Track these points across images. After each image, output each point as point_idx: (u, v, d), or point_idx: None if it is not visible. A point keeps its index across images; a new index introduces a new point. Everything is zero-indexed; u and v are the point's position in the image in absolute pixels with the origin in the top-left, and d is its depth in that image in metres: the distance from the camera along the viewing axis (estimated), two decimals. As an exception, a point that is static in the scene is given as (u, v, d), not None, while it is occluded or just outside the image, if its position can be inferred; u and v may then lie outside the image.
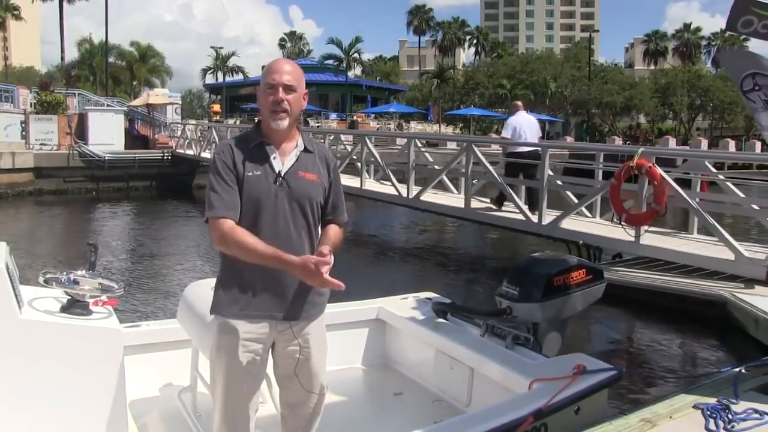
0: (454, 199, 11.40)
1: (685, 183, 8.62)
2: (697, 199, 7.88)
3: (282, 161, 2.34)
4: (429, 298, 4.19)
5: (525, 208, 9.42)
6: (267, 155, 2.34)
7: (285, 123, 2.31)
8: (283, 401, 2.50)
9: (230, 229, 2.23)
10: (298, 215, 2.33)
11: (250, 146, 2.35)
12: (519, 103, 10.87)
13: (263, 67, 2.43)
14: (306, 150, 2.40)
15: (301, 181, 2.33)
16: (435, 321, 3.84)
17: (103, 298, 2.74)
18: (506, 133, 10.11)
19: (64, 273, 2.69)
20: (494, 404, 2.86)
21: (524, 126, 9.98)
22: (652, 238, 7.88)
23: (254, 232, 2.27)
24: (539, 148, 9.57)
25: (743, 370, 3.34)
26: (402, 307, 4.11)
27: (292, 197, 2.31)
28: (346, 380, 3.87)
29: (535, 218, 9.07)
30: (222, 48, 55.48)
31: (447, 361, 3.58)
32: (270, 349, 2.40)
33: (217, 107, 46.69)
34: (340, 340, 3.75)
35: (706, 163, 8.52)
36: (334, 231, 2.43)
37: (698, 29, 69.62)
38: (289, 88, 2.30)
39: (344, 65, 48.22)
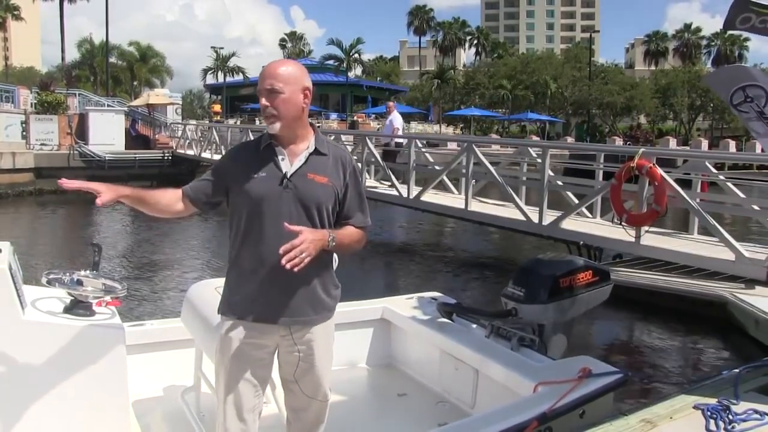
0: (454, 200, 11.41)
1: (686, 183, 8.61)
2: (698, 200, 7.88)
3: (290, 162, 2.31)
4: (434, 298, 4.16)
5: (526, 208, 9.43)
6: (275, 156, 2.31)
7: (276, 126, 2.27)
8: (287, 405, 2.49)
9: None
10: (303, 218, 2.27)
11: (259, 148, 2.35)
12: (392, 103, 14.59)
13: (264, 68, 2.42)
14: (317, 152, 2.34)
15: (310, 184, 2.29)
16: (440, 321, 3.82)
17: (107, 298, 2.74)
18: (397, 124, 13.45)
19: (67, 273, 2.68)
20: (498, 407, 2.85)
21: (400, 121, 13.73)
22: (653, 239, 7.88)
23: (258, 233, 2.27)
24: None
25: (744, 371, 3.34)
26: (407, 307, 4.08)
27: (298, 199, 2.27)
28: (351, 380, 3.87)
29: (535, 218, 9.07)
30: (222, 48, 55.53)
31: (452, 362, 3.57)
32: (275, 352, 2.39)
33: (217, 107, 46.72)
34: (344, 340, 3.73)
35: (707, 163, 8.52)
36: (349, 228, 2.37)
37: (698, 29, 69.66)
38: (271, 92, 2.25)
39: (345, 66, 48.22)
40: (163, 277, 9.39)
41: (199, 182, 2.41)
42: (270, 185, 2.28)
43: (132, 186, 2.35)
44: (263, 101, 2.27)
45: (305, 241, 2.13)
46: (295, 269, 2.12)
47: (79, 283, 2.65)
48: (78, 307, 2.65)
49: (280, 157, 2.31)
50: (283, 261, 2.09)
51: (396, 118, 13.60)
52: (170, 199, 2.36)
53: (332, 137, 16.25)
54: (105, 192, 2.18)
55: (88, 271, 2.71)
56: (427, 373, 3.83)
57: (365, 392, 3.92)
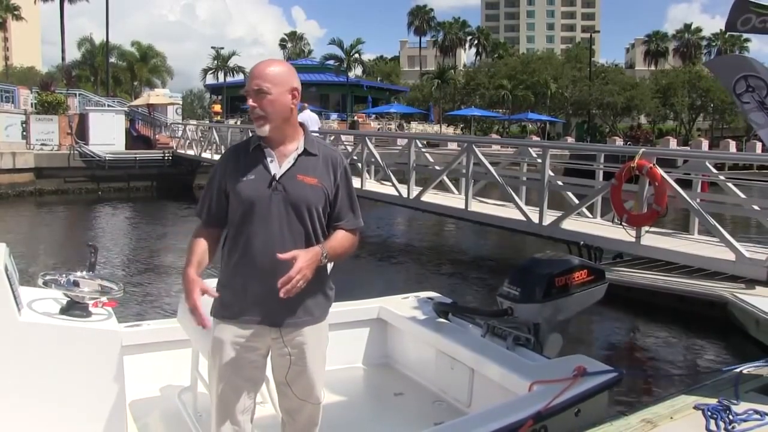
0: (454, 200, 11.40)
1: (686, 183, 8.61)
2: (698, 200, 7.88)
3: (279, 164, 2.28)
4: (430, 298, 4.17)
5: (526, 208, 9.42)
6: (264, 158, 2.29)
7: (266, 128, 2.26)
8: (281, 407, 2.48)
9: (195, 230, 2.40)
10: (294, 220, 2.25)
11: (248, 150, 2.33)
12: (306, 104, 15.39)
13: (252, 68, 2.40)
14: (307, 152, 2.31)
15: (299, 185, 2.26)
16: (436, 321, 3.82)
17: (103, 299, 2.73)
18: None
19: (64, 274, 2.66)
20: (493, 406, 2.86)
21: (307, 119, 13.75)
22: (653, 239, 7.88)
23: (247, 237, 2.26)
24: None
25: (744, 371, 3.34)
26: (403, 306, 4.09)
27: (288, 201, 2.25)
28: (347, 380, 3.87)
29: (535, 218, 9.06)
30: (223, 48, 55.48)
31: (448, 362, 3.57)
32: (268, 355, 2.37)
33: (217, 107, 46.67)
34: (340, 339, 3.73)
35: (707, 163, 8.51)
36: (340, 234, 2.34)
37: (699, 30, 69.74)
38: (259, 93, 2.22)
39: (345, 66, 48.19)
40: (159, 278, 9.38)
41: (202, 205, 2.40)
42: (259, 188, 2.26)
43: (189, 266, 2.35)
44: (250, 102, 2.25)
45: (301, 270, 2.13)
46: (290, 294, 2.14)
47: (76, 284, 2.64)
48: (74, 308, 2.63)
49: (269, 159, 2.29)
50: (282, 294, 2.11)
51: (300, 116, 15.66)
52: (205, 238, 2.37)
53: (332, 137, 16.42)
54: (200, 290, 2.27)
55: (84, 272, 2.69)
56: (423, 373, 3.83)
57: (361, 392, 3.92)
